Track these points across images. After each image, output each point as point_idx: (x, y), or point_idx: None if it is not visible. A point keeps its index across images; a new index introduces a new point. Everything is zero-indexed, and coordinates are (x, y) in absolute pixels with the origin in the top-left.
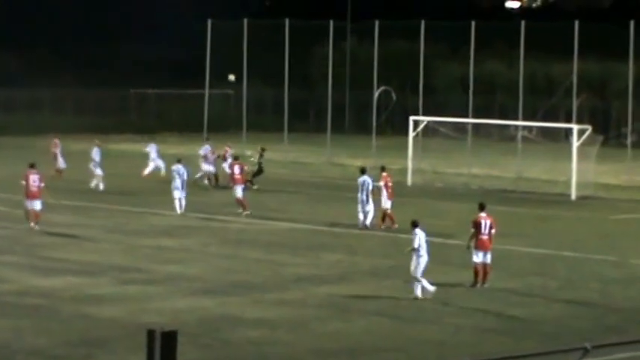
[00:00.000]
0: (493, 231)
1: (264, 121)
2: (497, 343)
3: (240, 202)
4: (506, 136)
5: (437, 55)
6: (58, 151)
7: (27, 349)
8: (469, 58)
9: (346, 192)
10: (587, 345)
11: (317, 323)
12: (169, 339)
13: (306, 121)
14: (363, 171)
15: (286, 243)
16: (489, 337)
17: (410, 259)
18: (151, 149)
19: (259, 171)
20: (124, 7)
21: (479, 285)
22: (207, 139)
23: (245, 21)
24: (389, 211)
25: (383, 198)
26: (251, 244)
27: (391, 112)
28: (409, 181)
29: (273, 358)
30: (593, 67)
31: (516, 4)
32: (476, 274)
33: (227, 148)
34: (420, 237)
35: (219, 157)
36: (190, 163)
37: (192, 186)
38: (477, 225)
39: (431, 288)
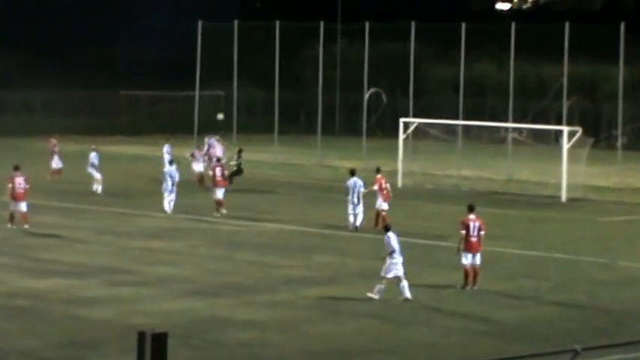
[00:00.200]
0: (482, 233)
1: (254, 123)
2: (488, 345)
3: (218, 204)
4: (496, 138)
5: (427, 57)
6: (56, 150)
7: (17, 351)
8: (459, 59)
9: (337, 194)
10: (578, 347)
11: (307, 325)
12: (160, 341)
13: (297, 122)
14: (352, 173)
15: (277, 244)
16: (480, 339)
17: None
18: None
19: (238, 171)
20: (114, 10)
21: (469, 287)
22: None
23: (235, 22)
24: (384, 213)
25: (378, 199)
26: (241, 245)
27: (382, 114)
28: (399, 183)
29: (263, 359)
30: (583, 69)
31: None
32: (466, 276)
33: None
34: (393, 240)
35: (192, 155)
36: (180, 164)
37: (182, 187)
38: (466, 227)
39: (407, 294)
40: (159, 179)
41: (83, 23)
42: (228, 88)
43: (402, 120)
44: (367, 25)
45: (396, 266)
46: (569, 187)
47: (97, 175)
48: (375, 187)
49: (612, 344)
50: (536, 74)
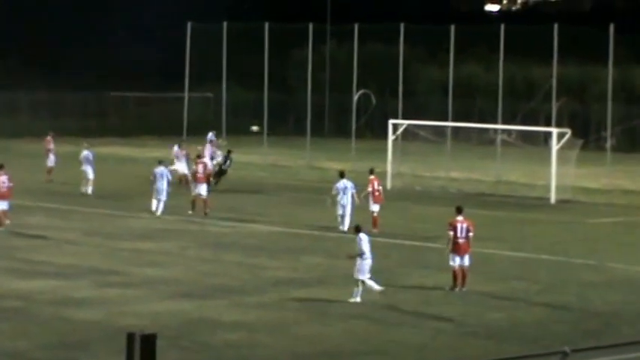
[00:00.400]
0: (471, 234)
1: (243, 124)
2: (477, 346)
3: (198, 201)
4: (485, 139)
5: (416, 59)
6: (51, 147)
7: (7, 352)
8: (448, 61)
9: (326, 195)
10: (567, 349)
11: (296, 326)
12: (149, 342)
13: (286, 124)
14: (342, 175)
15: (265, 246)
16: (469, 340)
17: (354, 263)
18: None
19: (221, 172)
20: (103, 11)
21: (458, 289)
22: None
23: (224, 24)
24: (375, 214)
25: (369, 201)
26: (230, 247)
27: (371, 116)
28: (389, 184)
29: None
30: (572, 71)
31: (496, 8)
32: (455, 277)
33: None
34: (364, 241)
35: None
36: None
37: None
38: (453, 228)
39: (378, 288)
40: (173, 179)
41: (72, 25)
42: (217, 89)
43: (391, 121)
44: (356, 26)
45: (367, 267)
46: (559, 189)
47: (91, 175)
48: (369, 189)
49: (601, 346)
50: (525, 76)
